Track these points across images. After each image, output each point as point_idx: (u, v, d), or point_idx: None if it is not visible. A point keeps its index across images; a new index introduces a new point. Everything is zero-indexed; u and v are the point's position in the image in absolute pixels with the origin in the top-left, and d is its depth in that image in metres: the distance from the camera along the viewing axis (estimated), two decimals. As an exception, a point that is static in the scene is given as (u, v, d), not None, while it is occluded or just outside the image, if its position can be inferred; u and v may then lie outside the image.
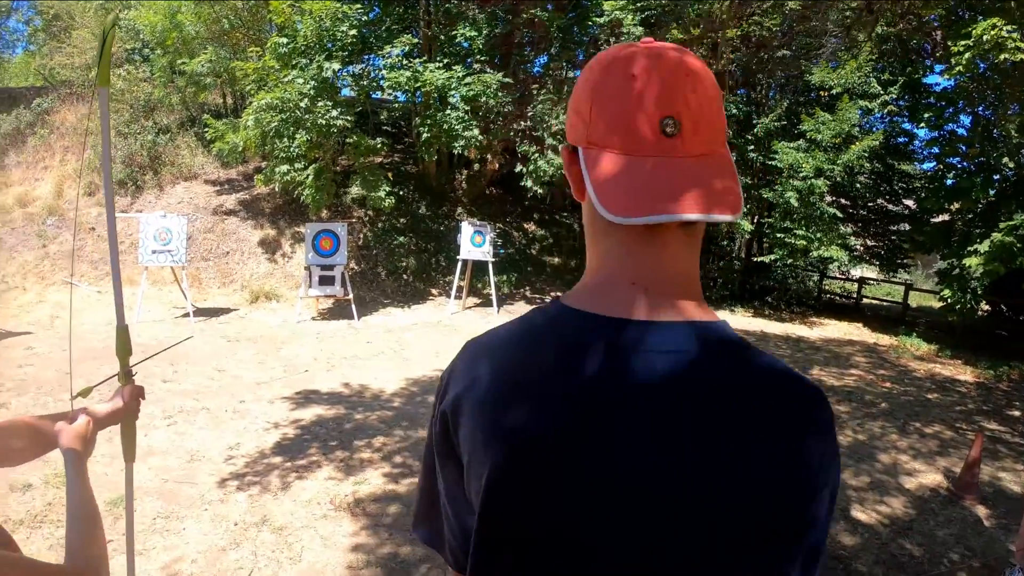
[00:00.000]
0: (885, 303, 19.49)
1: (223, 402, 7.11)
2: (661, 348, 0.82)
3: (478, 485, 0.85)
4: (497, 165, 14.87)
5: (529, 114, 12.54)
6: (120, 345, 1.90)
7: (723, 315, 5.46)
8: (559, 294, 0.92)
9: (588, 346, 0.84)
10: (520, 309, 12.83)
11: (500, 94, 12.01)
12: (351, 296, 11.57)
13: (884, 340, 13.61)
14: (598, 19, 12.72)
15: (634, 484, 0.79)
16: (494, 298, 12.45)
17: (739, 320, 14.09)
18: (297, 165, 12.25)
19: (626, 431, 0.79)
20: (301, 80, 11.45)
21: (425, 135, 12.48)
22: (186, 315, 11.34)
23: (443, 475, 0.95)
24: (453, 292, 12.54)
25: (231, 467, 5.43)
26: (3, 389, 7.55)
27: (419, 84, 12.03)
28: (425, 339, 10.26)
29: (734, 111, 14.41)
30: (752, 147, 14.40)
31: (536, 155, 12.28)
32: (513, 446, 0.83)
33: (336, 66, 11.75)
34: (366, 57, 13.65)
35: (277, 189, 12.93)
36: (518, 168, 12.83)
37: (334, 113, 11.69)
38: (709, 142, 0.83)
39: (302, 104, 11.47)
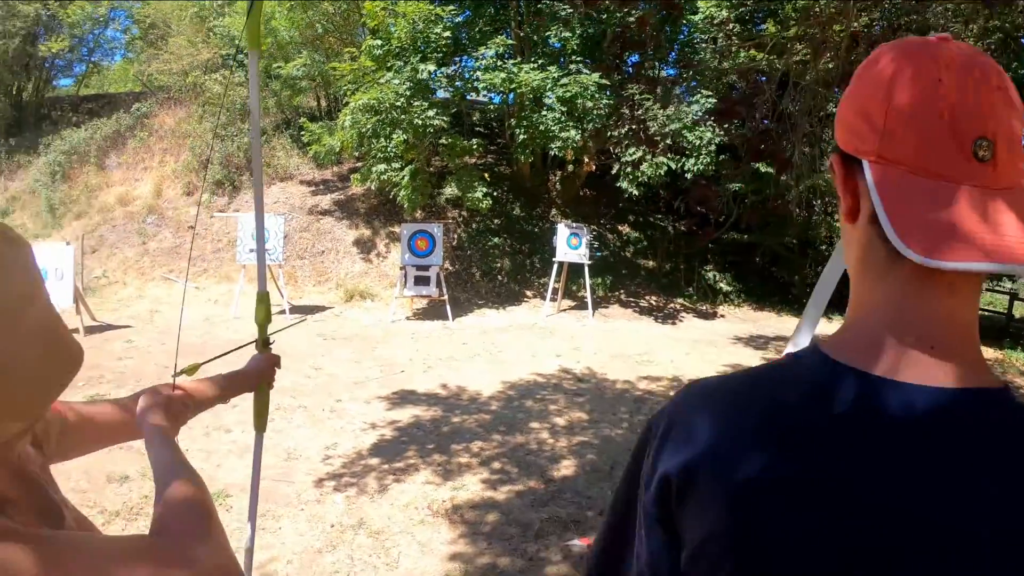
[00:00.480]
0: (986, 312, 18.29)
1: (320, 400, 7.12)
2: (945, 421, 0.69)
3: (711, 560, 0.74)
4: (594, 166, 14.61)
5: (638, 115, 12.23)
6: (260, 312, 1.89)
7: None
8: (820, 336, 0.82)
9: (861, 414, 0.70)
10: (615, 312, 12.68)
11: (597, 95, 11.76)
12: (446, 297, 11.55)
13: (988, 353, 12.68)
14: (692, 16, 12.39)
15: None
16: (589, 301, 12.22)
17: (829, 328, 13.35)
18: (394, 165, 12.30)
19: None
20: (397, 81, 11.48)
21: (521, 137, 12.38)
22: (282, 312, 11.46)
23: (647, 540, 0.82)
24: (548, 294, 12.42)
25: (328, 467, 5.41)
26: (103, 381, 7.77)
27: (514, 85, 11.94)
28: (521, 341, 10.13)
29: (833, 110, 13.72)
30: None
31: (636, 156, 11.96)
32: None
33: (431, 67, 11.76)
34: (458, 59, 13.63)
35: (374, 188, 13.01)
36: (614, 169, 12.59)
37: (430, 113, 11.68)
38: (1021, 172, 0.71)
39: (398, 104, 11.48)
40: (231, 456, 5.60)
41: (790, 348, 2.88)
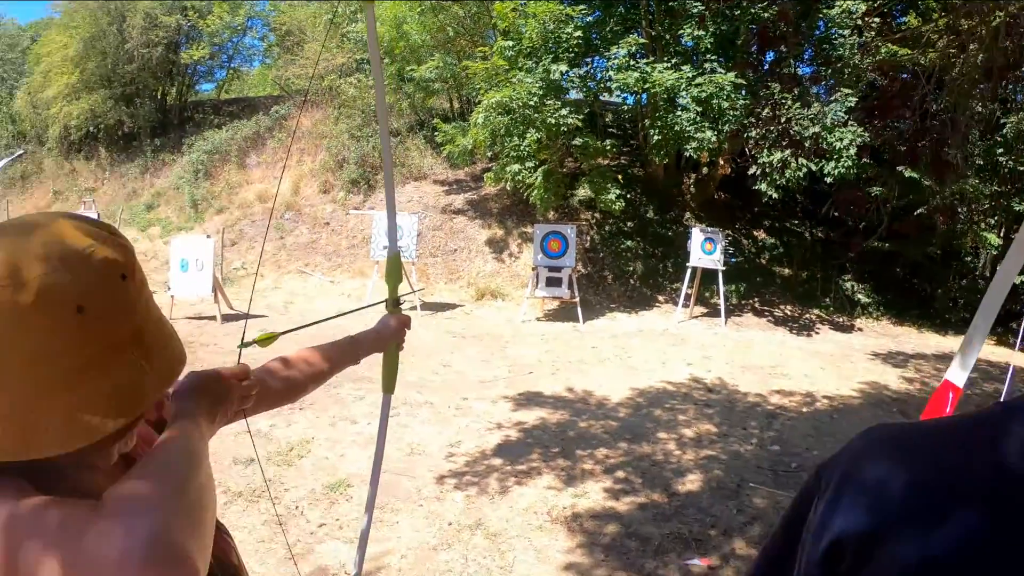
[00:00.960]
0: None
1: (446, 398, 7.12)
2: None
3: None
4: (729, 168, 14.20)
5: (777, 115, 11.79)
6: (390, 271, 1.90)
7: (958, 342, 4.72)
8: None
9: None
10: (748, 321, 12.29)
11: (733, 95, 11.41)
12: (577, 299, 11.44)
13: None
14: (828, 11, 11.85)
15: None
16: (722, 308, 11.86)
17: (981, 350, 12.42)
18: (528, 165, 12.30)
19: None
20: (530, 80, 11.51)
21: (656, 138, 12.13)
22: (412, 308, 11.68)
23: None
24: (681, 300, 12.14)
25: (450, 465, 5.38)
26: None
27: (647, 85, 11.72)
28: (651, 347, 9.91)
29: (979, 109, 12.79)
30: (1000, 150, 12.73)
31: (776, 158, 11.51)
32: None
33: (563, 68, 11.73)
34: (589, 59, 13.53)
35: (508, 188, 13.06)
36: (751, 171, 12.15)
37: (563, 112, 11.65)
38: None
39: (531, 103, 11.50)
40: (355, 447, 5.67)
41: (955, 368, 2.53)
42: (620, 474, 5.25)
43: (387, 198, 1.94)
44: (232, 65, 24.68)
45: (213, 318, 11.00)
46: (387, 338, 1.79)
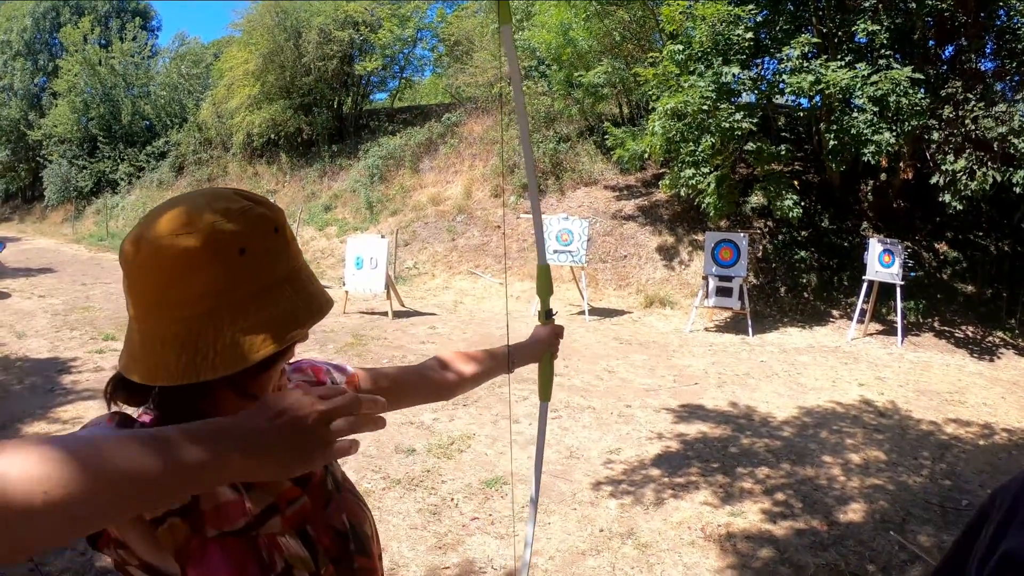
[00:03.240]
0: None
1: (609, 404, 7.30)
2: None
3: None
4: (911, 174, 13.77)
5: (960, 116, 11.31)
6: (541, 283, 1.95)
7: None
8: None
9: None
10: (927, 342, 11.67)
11: (910, 92, 10.93)
12: (748, 310, 11.39)
13: None
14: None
15: None
16: (899, 326, 11.37)
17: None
18: (703, 169, 12.26)
19: None
20: (702, 84, 11.49)
21: (832, 143, 11.80)
22: (581, 313, 12.09)
23: None
24: (856, 315, 11.72)
25: (608, 471, 5.52)
26: (404, 361, 8.55)
27: (822, 86, 11.44)
28: (822, 365, 9.70)
29: None
30: None
31: (961, 165, 11.07)
32: None
33: (735, 70, 11.63)
34: (759, 60, 13.34)
35: (682, 194, 13.03)
36: (933, 179, 11.61)
37: (737, 116, 11.56)
38: None
39: (704, 108, 11.49)
40: (514, 446, 5.91)
41: None
42: (780, 496, 5.19)
43: (533, 211, 1.98)
44: (404, 75, 25.92)
45: (385, 314, 11.69)
46: (541, 348, 1.88)
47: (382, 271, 11.75)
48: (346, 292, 12.14)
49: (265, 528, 1.07)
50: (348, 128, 23.78)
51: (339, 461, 1.23)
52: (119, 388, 1.05)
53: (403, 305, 12.37)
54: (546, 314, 1.94)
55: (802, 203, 12.74)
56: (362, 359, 9.00)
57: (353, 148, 22.10)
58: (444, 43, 23.66)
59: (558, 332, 1.91)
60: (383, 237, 12.37)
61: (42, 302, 12.78)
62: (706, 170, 12.30)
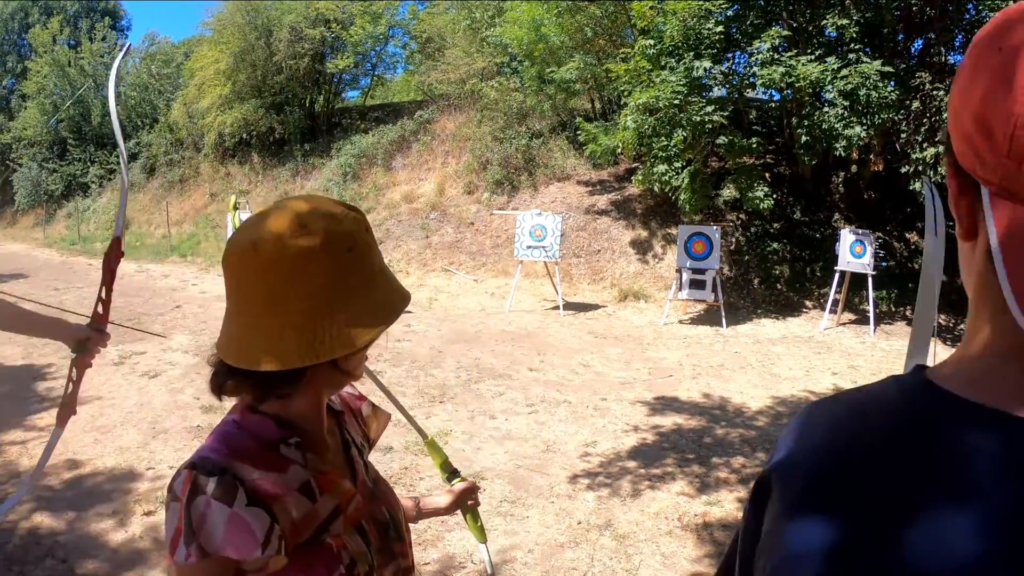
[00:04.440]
0: None
1: (585, 397, 7.35)
2: None
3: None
4: (881, 165, 13.90)
5: (930, 108, 11.45)
6: (435, 457, 2.00)
7: None
8: (923, 365, 0.71)
9: (961, 446, 0.61)
10: (899, 331, 11.81)
11: (880, 85, 11.07)
12: (721, 302, 11.46)
13: None
14: None
15: None
16: (871, 316, 11.53)
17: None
18: (676, 164, 12.32)
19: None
20: (673, 79, 11.53)
21: (804, 137, 11.91)
22: (555, 308, 12.12)
23: (742, 524, 0.84)
24: (828, 306, 11.85)
25: (585, 464, 5.57)
26: (381, 359, 8.63)
27: (792, 79, 11.52)
28: (795, 355, 9.78)
29: None
30: None
31: (931, 153, 11.19)
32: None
33: (706, 64, 11.68)
34: (731, 54, 13.37)
35: (656, 190, 13.10)
36: (903, 169, 11.74)
37: (708, 110, 11.64)
38: None
39: (675, 103, 11.54)
40: (491, 441, 5.95)
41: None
42: None
43: None
44: (376, 73, 25.96)
45: None
46: (446, 511, 1.83)
47: None
48: None
49: (332, 530, 1.20)
50: (320, 127, 23.76)
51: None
52: (226, 378, 1.18)
53: None
54: (448, 477, 1.92)
55: (773, 195, 12.84)
56: None
57: (325, 147, 22.06)
58: (416, 40, 23.68)
59: (468, 491, 1.84)
60: None
61: None
62: (678, 165, 12.36)
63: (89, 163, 31.52)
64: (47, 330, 2.63)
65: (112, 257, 2.57)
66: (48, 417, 6.91)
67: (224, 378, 1.18)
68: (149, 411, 7.03)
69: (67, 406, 2.67)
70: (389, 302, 1.17)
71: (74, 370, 2.61)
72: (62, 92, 32.71)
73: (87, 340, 2.54)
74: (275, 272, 1.08)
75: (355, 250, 1.13)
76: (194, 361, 8.94)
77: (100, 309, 2.61)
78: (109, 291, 2.63)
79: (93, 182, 30.89)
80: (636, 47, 12.59)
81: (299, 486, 1.17)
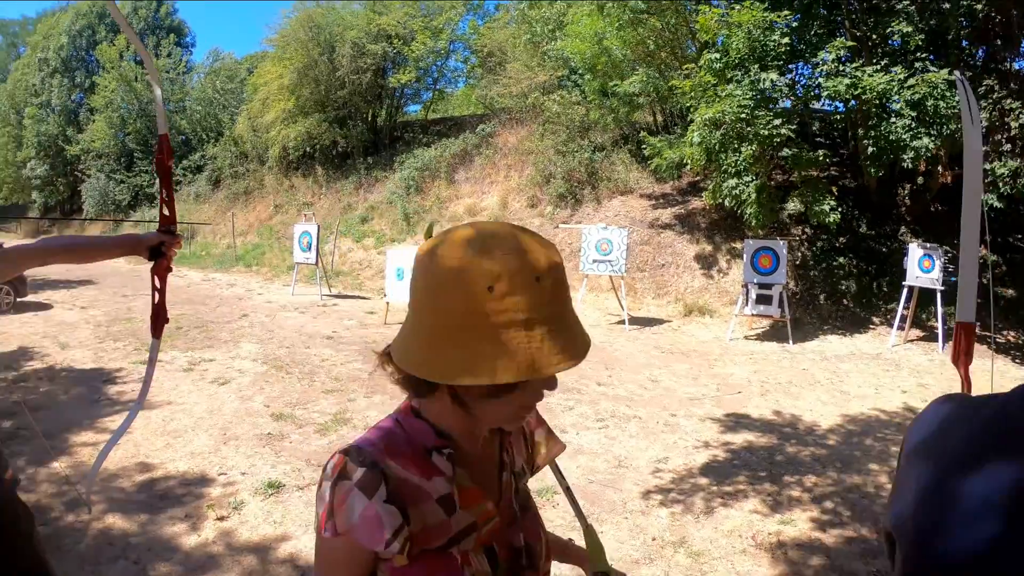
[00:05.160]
0: None
1: (654, 413, 7.40)
2: None
3: None
4: (949, 177, 13.74)
5: (994, 117, 11.24)
6: (591, 543, 1.56)
7: None
8: None
9: None
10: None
11: (947, 94, 10.86)
12: (787, 318, 11.40)
13: None
14: None
15: None
16: (940, 332, 11.32)
17: None
18: (745, 178, 12.27)
19: None
20: (739, 92, 11.51)
21: (870, 149, 11.78)
22: (620, 322, 12.22)
23: None
24: (896, 322, 11.68)
25: (657, 480, 5.61)
26: None
27: (858, 91, 11.40)
28: (864, 372, 9.73)
29: None
30: None
31: (1004, 167, 11.03)
32: None
33: (773, 76, 11.62)
34: (793, 65, 13.28)
35: (726, 205, 12.97)
36: None
37: (776, 122, 11.57)
38: None
39: (743, 116, 11.51)
40: (563, 456, 5.87)
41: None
42: (828, 504, 5.24)
43: None
44: (437, 87, 26.36)
45: None
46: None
47: None
48: (387, 303, 12.43)
49: (461, 545, 1.21)
50: (383, 140, 24.21)
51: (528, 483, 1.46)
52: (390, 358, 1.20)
53: None
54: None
55: (840, 208, 12.70)
56: None
57: (388, 160, 22.46)
58: (476, 55, 24.05)
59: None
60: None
61: (84, 313, 13.08)
62: (748, 179, 12.31)
63: (155, 175, 32.49)
64: (120, 247, 2.64)
65: (164, 156, 2.68)
66: (120, 420, 6.96)
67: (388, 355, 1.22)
68: (219, 417, 7.19)
69: (159, 316, 2.74)
70: (532, 358, 1.04)
71: (155, 278, 2.68)
72: (129, 106, 33.85)
73: (160, 244, 2.58)
74: (426, 281, 1.09)
75: (499, 291, 1.03)
76: (262, 369, 9.13)
77: (165, 211, 2.69)
78: (169, 191, 2.72)
79: (160, 192, 31.83)
80: (701, 61, 12.54)
81: (440, 496, 1.19)
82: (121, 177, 33.88)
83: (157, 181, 2.62)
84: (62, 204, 43.64)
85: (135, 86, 33.83)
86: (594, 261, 12.24)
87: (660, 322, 12.70)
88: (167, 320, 2.74)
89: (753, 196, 12.22)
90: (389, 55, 23.32)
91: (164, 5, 41.63)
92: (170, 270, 2.67)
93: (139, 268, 22.01)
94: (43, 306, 13.66)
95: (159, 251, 2.57)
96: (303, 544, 4.55)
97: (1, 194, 47.28)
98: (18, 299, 14.16)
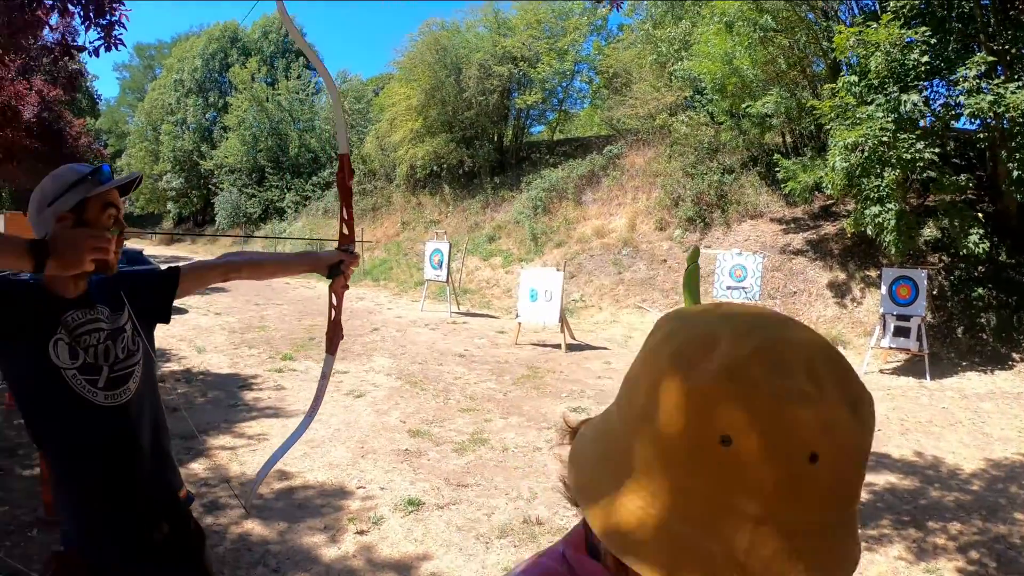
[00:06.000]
0: None
1: None
2: None
3: None
4: (1096, 201, 13.13)
5: None
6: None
7: None
8: None
9: None
10: None
11: None
12: (926, 352, 11.16)
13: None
14: None
15: None
16: None
17: None
18: (888, 205, 11.81)
19: None
20: (880, 115, 11.22)
21: (1015, 172, 11.32)
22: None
23: None
24: None
25: None
26: (584, 395, 9.04)
27: (1001, 109, 10.89)
28: (1007, 413, 9.44)
29: None
30: None
31: None
32: None
33: (914, 98, 11.28)
34: (928, 83, 12.79)
35: (869, 233, 12.47)
36: None
37: (919, 146, 11.21)
38: None
39: (884, 140, 11.18)
40: None
41: None
42: (973, 554, 5.15)
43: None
44: (562, 108, 26.78)
45: (558, 346, 12.21)
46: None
47: (556, 304, 12.31)
48: (519, 323, 12.83)
49: None
50: (509, 160, 24.82)
51: None
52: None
53: (574, 338, 12.81)
54: None
55: (988, 237, 12.24)
56: (539, 391, 9.44)
57: (515, 180, 23.03)
58: (602, 75, 24.34)
59: None
60: (559, 271, 12.82)
61: (219, 319, 13.87)
62: (890, 205, 11.88)
63: (285, 190, 34.29)
64: (302, 264, 2.78)
65: (345, 175, 2.75)
66: (256, 426, 7.56)
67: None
68: (356, 430, 7.48)
69: (335, 332, 2.83)
70: (732, 560, 0.65)
71: (333, 295, 2.75)
72: (260, 125, 35.81)
73: (339, 263, 2.67)
74: (635, 381, 0.79)
75: (738, 446, 0.65)
76: (397, 384, 9.51)
77: (345, 230, 2.78)
78: (349, 210, 2.79)
79: (289, 207, 33.62)
80: (839, 82, 12.28)
81: None
82: (252, 191, 35.90)
83: (339, 202, 2.78)
84: (195, 215, 46.78)
85: (266, 106, 35.83)
86: (727, 288, 12.34)
87: (794, 352, 12.57)
88: (342, 336, 2.85)
89: (893, 223, 11.82)
90: (515, 76, 23.95)
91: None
92: (347, 287, 2.77)
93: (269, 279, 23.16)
94: (179, 310, 14.38)
95: (338, 269, 2.67)
96: (445, 564, 4.70)
97: (138, 204, 51.10)
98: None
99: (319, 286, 20.96)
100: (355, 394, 8.94)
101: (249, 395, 8.83)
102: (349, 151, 2.85)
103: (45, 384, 2.02)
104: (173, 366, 10.13)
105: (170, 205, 46.49)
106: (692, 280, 2.19)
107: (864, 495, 5.97)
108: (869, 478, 6.51)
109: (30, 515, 5.33)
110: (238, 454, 6.68)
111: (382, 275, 22.51)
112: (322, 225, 30.08)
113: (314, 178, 33.86)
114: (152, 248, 39.56)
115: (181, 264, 2.51)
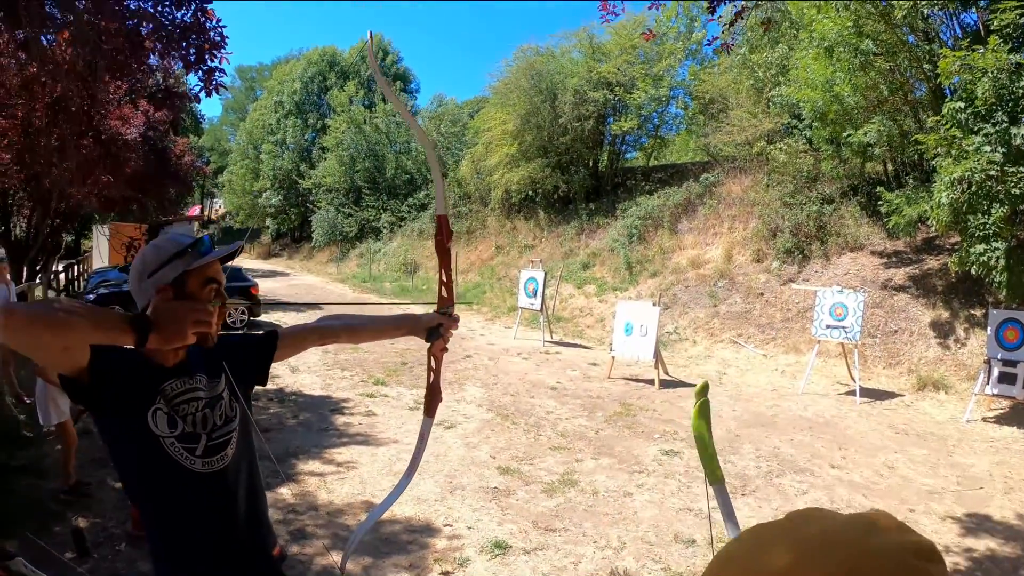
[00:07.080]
0: None
1: (892, 506, 7.04)
2: None
3: None
4: None
5: None
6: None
7: None
8: None
9: None
10: None
11: None
12: None
13: None
14: None
15: None
16: None
17: None
18: (995, 244, 11.42)
19: None
20: (988, 147, 10.82)
21: None
22: (851, 393, 11.93)
23: None
24: None
25: None
26: (677, 438, 8.92)
27: None
28: None
29: None
30: None
31: None
32: None
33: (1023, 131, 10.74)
34: None
35: (973, 273, 12.10)
36: None
37: None
38: None
39: (991, 173, 10.81)
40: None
41: None
42: None
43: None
44: (658, 135, 26.92)
45: (650, 382, 12.15)
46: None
47: (652, 339, 12.31)
48: (612, 357, 12.82)
49: None
50: (604, 186, 25.00)
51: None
52: None
53: (667, 374, 12.82)
54: None
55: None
56: (632, 431, 9.39)
57: (610, 207, 23.16)
58: (697, 101, 24.32)
59: None
60: (655, 305, 12.79)
61: None
62: (996, 244, 11.51)
63: (382, 210, 35.42)
64: (399, 328, 2.77)
65: (444, 237, 2.73)
66: (346, 453, 7.68)
67: None
68: (445, 464, 7.54)
69: (433, 395, 2.83)
70: None
71: (432, 359, 2.74)
72: (358, 147, 37.12)
73: (438, 326, 2.68)
74: None
75: None
76: (488, 416, 9.59)
77: (444, 292, 2.76)
78: (448, 272, 2.78)
79: (384, 227, 34.70)
80: (944, 111, 11.81)
81: None
82: (349, 211, 37.19)
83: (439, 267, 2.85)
84: (292, 231, 48.62)
85: (364, 128, 37.14)
86: (827, 326, 12.04)
87: (892, 395, 12.18)
88: (441, 399, 2.85)
89: (1003, 262, 11.42)
90: (610, 102, 24.10)
91: (391, 55, 46.06)
92: (446, 350, 2.76)
93: (362, 296, 23.86)
94: (274, 327, 15.14)
95: (436, 332, 2.67)
96: (528, 613, 4.61)
97: (239, 219, 53.80)
98: (252, 318, 15.98)
99: (411, 308, 21.36)
100: (446, 425, 9.03)
101: (340, 419, 9.01)
102: (447, 212, 2.83)
103: (143, 451, 2.07)
104: (267, 385, 10.56)
105: (269, 221, 48.46)
106: (703, 415, 2.11)
107: (962, 562, 5.77)
108: (967, 543, 6.31)
109: (119, 527, 5.61)
110: (327, 481, 6.81)
111: (475, 299, 22.72)
112: (417, 245, 30.81)
113: (410, 199, 34.83)
114: (250, 262, 41.41)
115: (279, 328, 2.61)
